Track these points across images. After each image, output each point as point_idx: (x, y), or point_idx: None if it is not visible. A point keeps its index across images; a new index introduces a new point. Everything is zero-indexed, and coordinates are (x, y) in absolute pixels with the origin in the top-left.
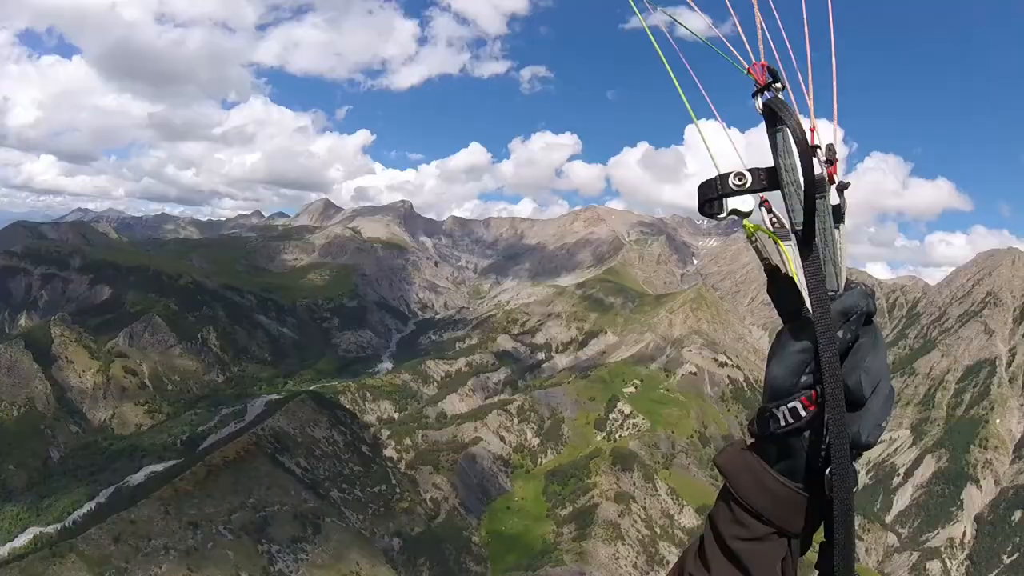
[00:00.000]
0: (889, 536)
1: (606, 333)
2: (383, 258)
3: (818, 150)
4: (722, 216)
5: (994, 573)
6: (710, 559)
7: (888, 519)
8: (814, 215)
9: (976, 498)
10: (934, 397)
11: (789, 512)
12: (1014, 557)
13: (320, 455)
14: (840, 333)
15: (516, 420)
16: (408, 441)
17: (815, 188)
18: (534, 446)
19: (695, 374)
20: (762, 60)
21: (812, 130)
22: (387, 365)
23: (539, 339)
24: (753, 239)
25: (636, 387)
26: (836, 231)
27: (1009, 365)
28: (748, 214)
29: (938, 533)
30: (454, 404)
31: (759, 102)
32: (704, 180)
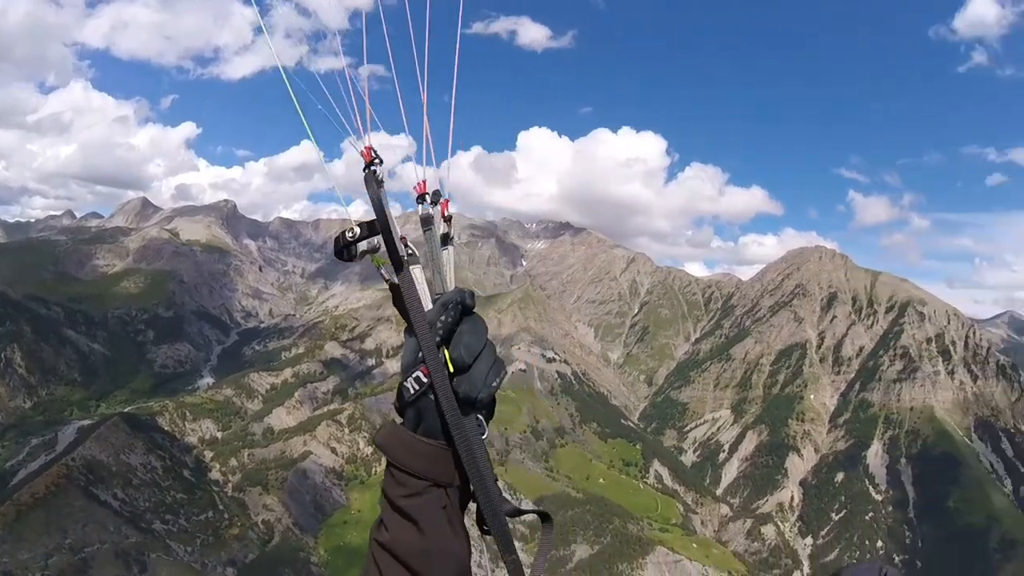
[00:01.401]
0: (722, 507)
1: None
2: (203, 263)
3: (426, 196)
4: (357, 258)
5: (825, 530)
6: (387, 521)
7: (719, 492)
8: (395, 247)
9: (799, 465)
10: (751, 379)
11: (438, 466)
12: (841, 514)
13: (138, 484)
14: (443, 318)
15: (347, 430)
16: (234, 462)
17: (422, 223)
18: (368, 455)
19: (525, 371)
20: (368, 143)
21: (423, 182)
22: (208, 380)
23: (369, 344)
24: (379, 269)
25: None
26: (445, 251)
27: (819, 347)
28: (377, 250)
29: (767, 500)
30: (281, 418)
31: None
32: (334, 236)
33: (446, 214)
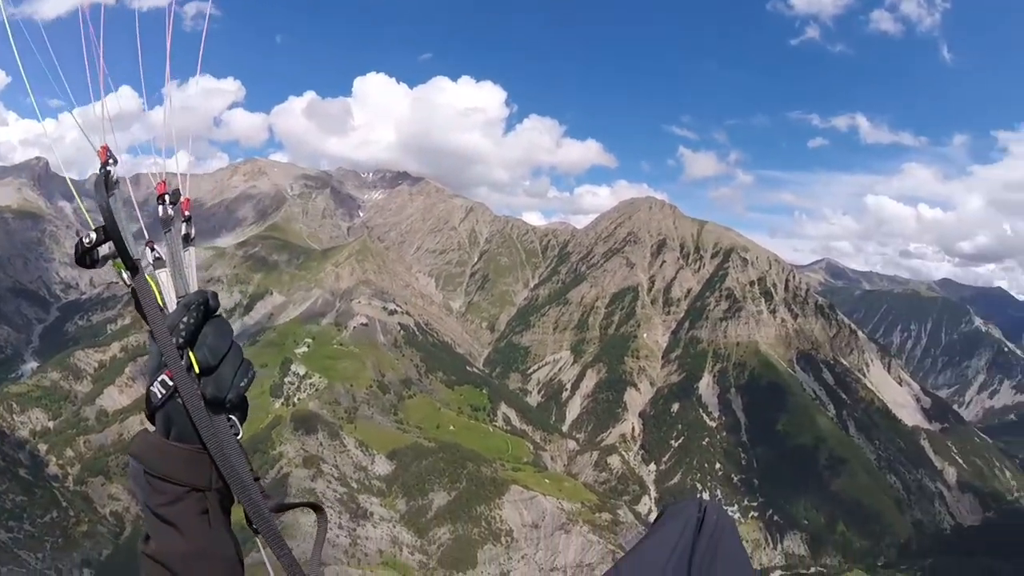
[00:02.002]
0: (569, 443)
1: (272, 294)
2: (15, 231)
3: (165, 197)
4: (100, 263)
5: (666, 456)
6: (150, 531)
7: (565, 428)
8: (128, 253)
9: (637, 399)
10: (587, 321)
11: (194, 470)
12: (680, 441)
13: None
14: (185, 320)
15: None
16: (70, 452)
17: (162, 225)
18: None
19: (367, 325)
20: (104, 143)
21: (163, 183)
22: (32, 365)
23: None
24: (120, 273)
25: (309, 346)
26: (187, 251)
27: (650, 290)
28: (116, 256)
29: (611, 432)
30: (113, 398)
31: (99, 175)
32: (75, 243)
33: (186, 214)
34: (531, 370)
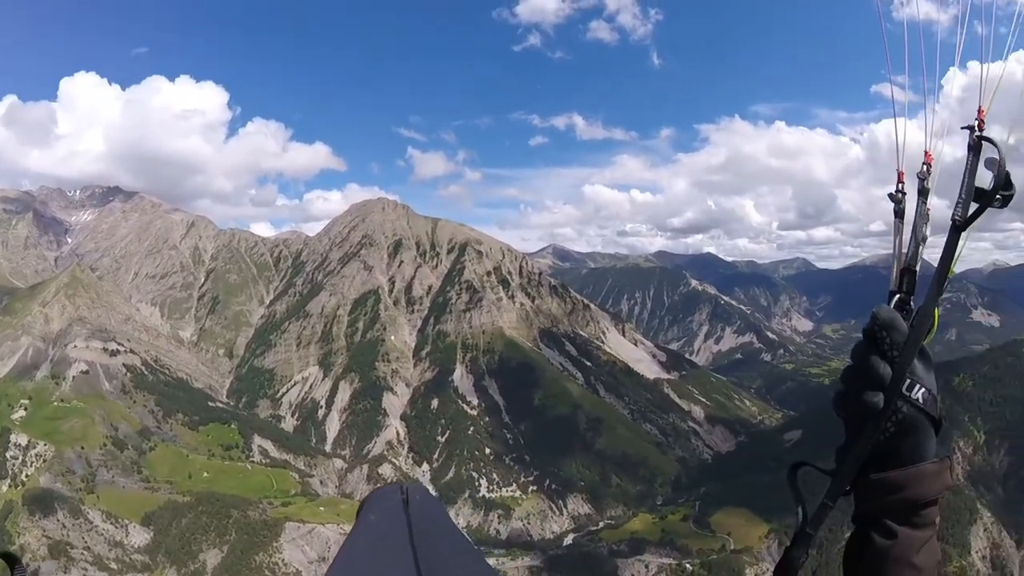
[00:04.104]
0: (336, 462)
1: None
2: None
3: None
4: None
5: (436, 452)
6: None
7: (328, 448)
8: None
9: (395, 403)
10: (332, 332)
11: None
12: (446, 435)
13: None
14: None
15: None
16: None
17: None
18: None
19: (88, 372)
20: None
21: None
22: None
23: None
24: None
25: (26, 408)
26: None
27: (391, 291)
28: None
29: (376, 442)
30: None
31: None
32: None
33: None
34: (280, 393)
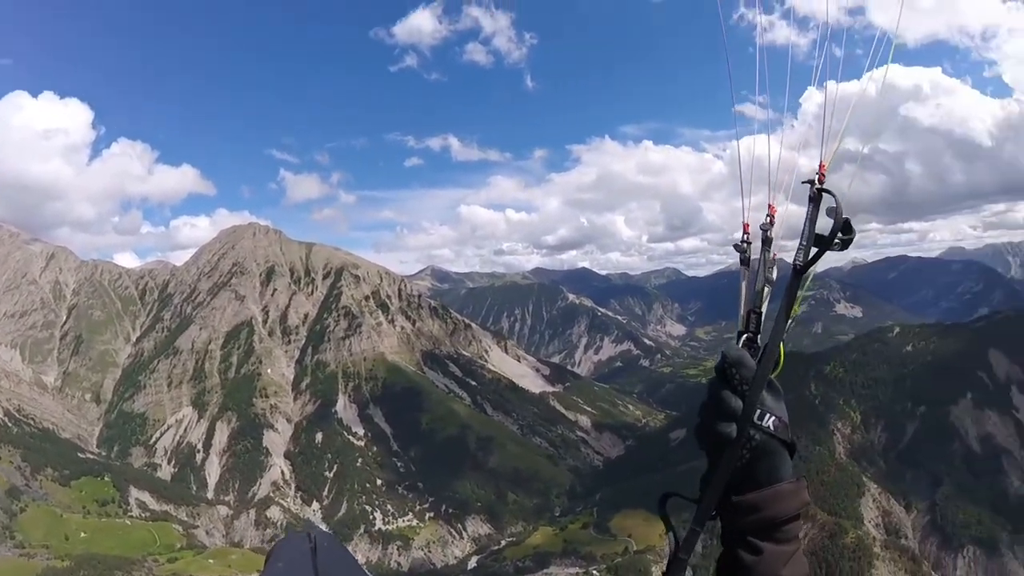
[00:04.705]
0: (220, 509)
1: None
2: None
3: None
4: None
5: (325, 489)
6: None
7: (210, 495)
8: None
9: (277, 440)
10: (204, 368)
11: None
12: (334, 470)
13: None
14: None
15: None
16: None
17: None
18: None
19: None
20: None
21: None
22: None
23: None
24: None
25: None
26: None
27: (265, 322)
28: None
29: (260, 484)
30: None
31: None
32: None
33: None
34: (154, 439)
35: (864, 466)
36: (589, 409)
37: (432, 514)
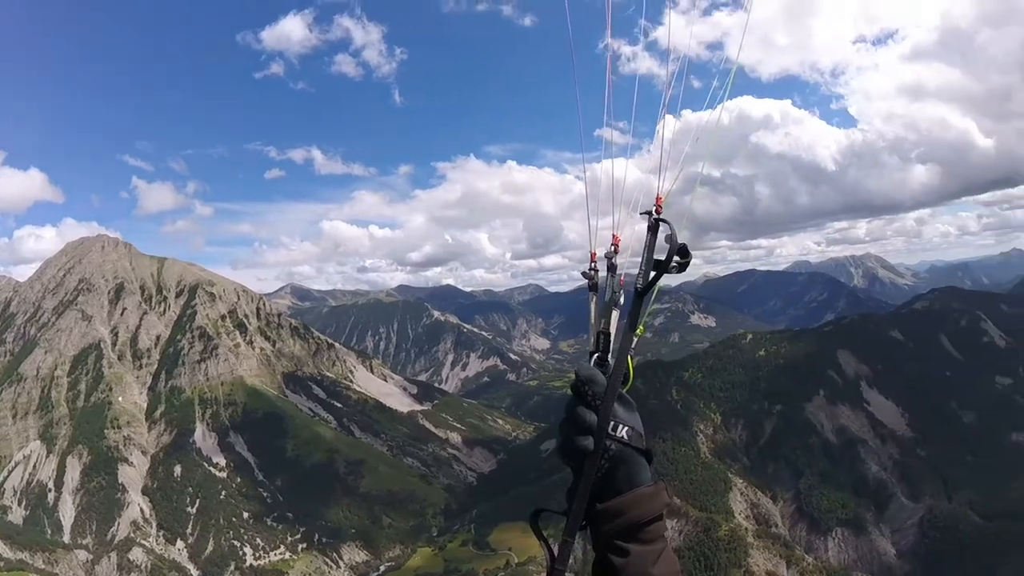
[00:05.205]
0: (79, 554)
1: None
2: None
3: None
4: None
5: (190, 526)
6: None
7: (67, 539)
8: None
9: (133, 475)
10: (51, 397)
11: None
12: (197, 505)
13: None
14: None
15: None
16: None
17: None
18: None
19: None
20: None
21: None
22: None
23: None
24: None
25: None
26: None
27: (115, 344)
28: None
29: (119, 524)
30: None
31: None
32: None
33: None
34: (1, 478)
35: (728, 463)
36: (459, 426)
37: (305, 545)
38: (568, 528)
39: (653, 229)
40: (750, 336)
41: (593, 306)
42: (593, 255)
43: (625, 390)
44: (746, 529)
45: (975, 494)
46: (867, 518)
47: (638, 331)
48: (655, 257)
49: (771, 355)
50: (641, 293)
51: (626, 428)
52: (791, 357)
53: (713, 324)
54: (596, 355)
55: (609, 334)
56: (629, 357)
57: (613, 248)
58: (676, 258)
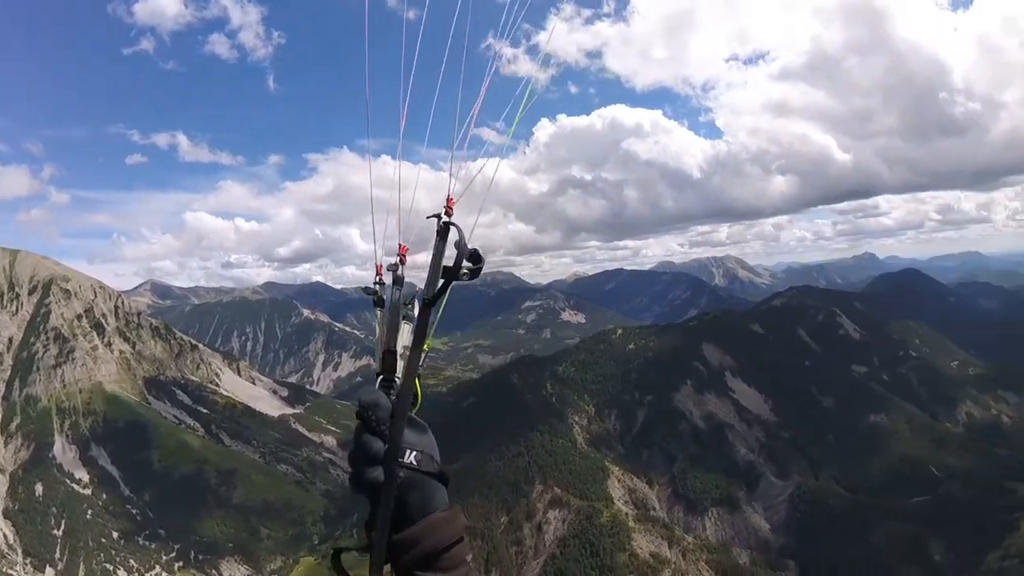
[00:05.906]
0: None
1: None
2: None
3: None
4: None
5: (58, 552)
6: None
7: None
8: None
9: None
10: None
11: None
12: (63, 527)
13: None
14: None
15: None
16: None
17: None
18: None
19: None
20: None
21: None
22: None
23: None
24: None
25: None
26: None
27: None
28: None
29: None
30: None
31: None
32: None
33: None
34: None
35: (604, 452)
36: (333, 428)
37: (181, 563)
38: (373, 564)
39: (442, 233)
40: (620, 331)
41: (378, 324)
42: (379, 268)
43: (414, 411)
44: (627, 514)
45: (839, 471)
46: (740, 497)
47: (425, 346)
48: (445, 264)
49: (640, 349)
50: (429, 304)
51: (414, 453)
52: (659, 350)
53: (583, 320)
54: (381, 377)
55: (395, 352)
56: (417, 376)
57: (399, 259)
58: (467, 264)
